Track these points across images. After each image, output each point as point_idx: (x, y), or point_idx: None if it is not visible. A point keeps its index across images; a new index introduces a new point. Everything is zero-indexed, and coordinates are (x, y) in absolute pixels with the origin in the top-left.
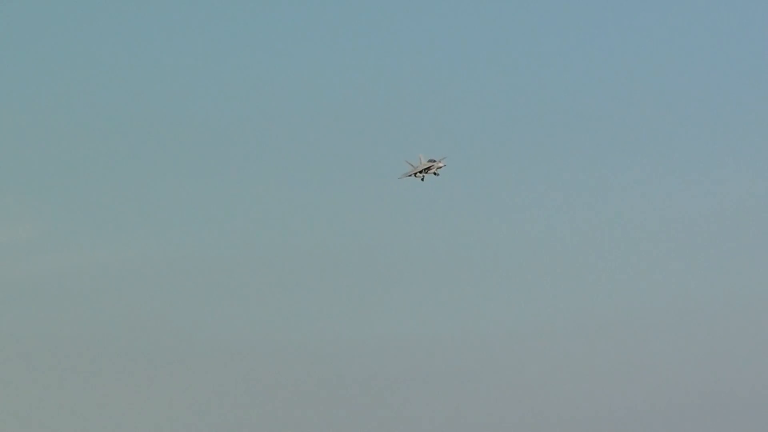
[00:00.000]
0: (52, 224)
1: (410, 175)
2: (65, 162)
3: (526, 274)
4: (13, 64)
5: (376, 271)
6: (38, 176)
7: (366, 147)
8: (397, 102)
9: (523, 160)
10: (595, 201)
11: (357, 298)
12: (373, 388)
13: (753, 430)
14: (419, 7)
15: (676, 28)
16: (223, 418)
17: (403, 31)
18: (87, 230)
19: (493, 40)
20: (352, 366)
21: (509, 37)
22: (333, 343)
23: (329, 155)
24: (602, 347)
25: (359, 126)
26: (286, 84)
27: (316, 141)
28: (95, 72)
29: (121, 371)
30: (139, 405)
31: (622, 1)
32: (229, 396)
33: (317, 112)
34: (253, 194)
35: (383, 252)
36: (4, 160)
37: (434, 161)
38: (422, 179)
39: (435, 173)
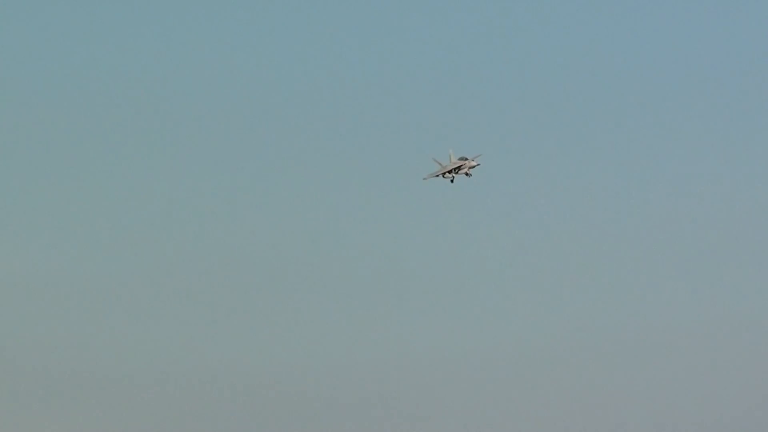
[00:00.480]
0: None
1: (437, 176)
2: None
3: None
4: None
5: (380, 286)
6: None
7: (386, 144)
8: (421, 95)
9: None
10: (623, 209)
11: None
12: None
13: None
14: (438, 5)
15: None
16: None
17: (427, 26)
18: None
19: (516, 33)
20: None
21: (532, 33)
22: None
23: (338, 154)
24: (622, 365)
25: (378, 120)
26: (299, 75)
27: (325, 137)
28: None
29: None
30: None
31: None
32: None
33: (333, 105)
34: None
35: (396, 265)
36: None
37: (466, 159)
38: (452, 180)
39: (467, 173)
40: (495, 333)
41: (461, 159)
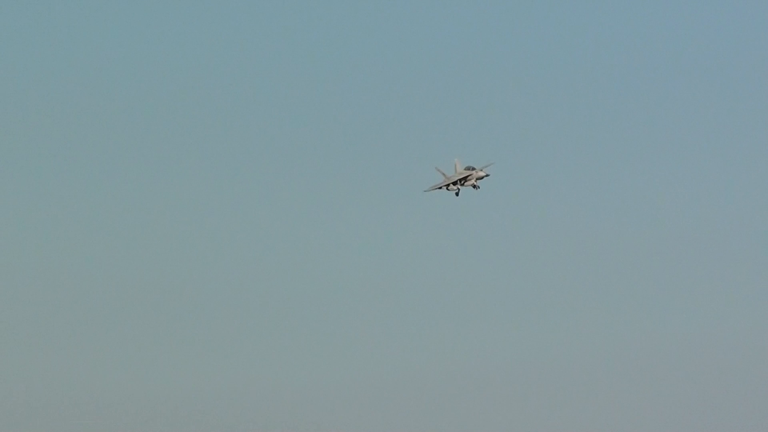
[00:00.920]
0: None
1: (440, 188)
2: None
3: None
4: None
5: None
6: None
7: (385, 152)
8: (423, 98)
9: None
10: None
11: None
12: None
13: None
14: (445, 7)
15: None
16: None
17: (431, 25)
18: None
19: (523, 37)
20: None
21: (538, 36)
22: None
23: (336, 163)
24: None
25: (377, 128)
26: (297, 80)
27: (323, 144)
28: None
29: None
30: None
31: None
32: None
33: (333, 112)
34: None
35: (390, 285)
36: None
37: (473, 169)
38: (457, 193)
39: (474, 185)
40: (498, 348)
41: (468, 169)
